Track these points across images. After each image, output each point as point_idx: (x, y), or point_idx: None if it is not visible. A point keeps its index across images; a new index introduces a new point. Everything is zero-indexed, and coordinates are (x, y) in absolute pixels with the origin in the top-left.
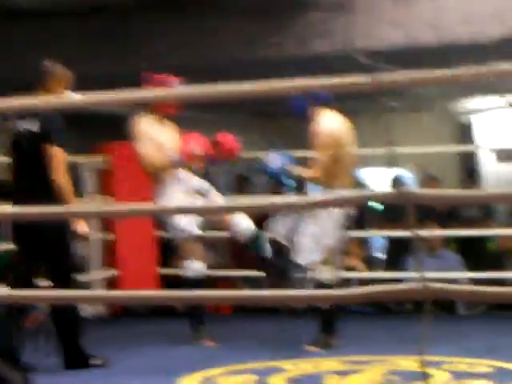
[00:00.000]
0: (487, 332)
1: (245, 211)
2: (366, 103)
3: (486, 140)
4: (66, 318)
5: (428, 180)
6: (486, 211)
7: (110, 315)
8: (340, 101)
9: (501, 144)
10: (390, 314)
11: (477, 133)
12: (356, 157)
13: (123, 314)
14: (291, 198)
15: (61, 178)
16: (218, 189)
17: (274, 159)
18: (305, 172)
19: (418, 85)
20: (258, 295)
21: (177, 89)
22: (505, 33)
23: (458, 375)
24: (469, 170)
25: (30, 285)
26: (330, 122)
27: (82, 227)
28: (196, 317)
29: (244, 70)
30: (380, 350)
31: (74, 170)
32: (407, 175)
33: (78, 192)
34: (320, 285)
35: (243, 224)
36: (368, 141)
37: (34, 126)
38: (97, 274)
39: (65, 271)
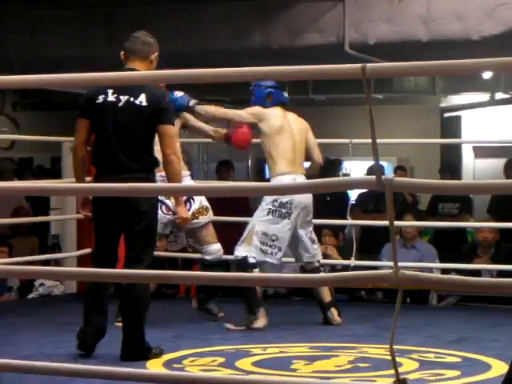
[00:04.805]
0: (457, 323)
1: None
2: (354, 95)
3: (471, 135)
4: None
5: (396, 171)
6: (463, 206)
7: (80, 292)
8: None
9: (484, 140)
10: (361, 302)
11: (462, 128)
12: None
13: None
14: (265, 183)
15: (175, 155)
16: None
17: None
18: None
19: (408, 75)
20: (224, 277)
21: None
22: (496, 30)
23: (427, 364)
24: (449, 164)
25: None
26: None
27: (183, 212)
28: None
29: (232, 60)
30: (350, 337)
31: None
32: (385, 166)
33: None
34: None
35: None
36: (359, 132)
37: (137, 99)
38: (71, 251)
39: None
